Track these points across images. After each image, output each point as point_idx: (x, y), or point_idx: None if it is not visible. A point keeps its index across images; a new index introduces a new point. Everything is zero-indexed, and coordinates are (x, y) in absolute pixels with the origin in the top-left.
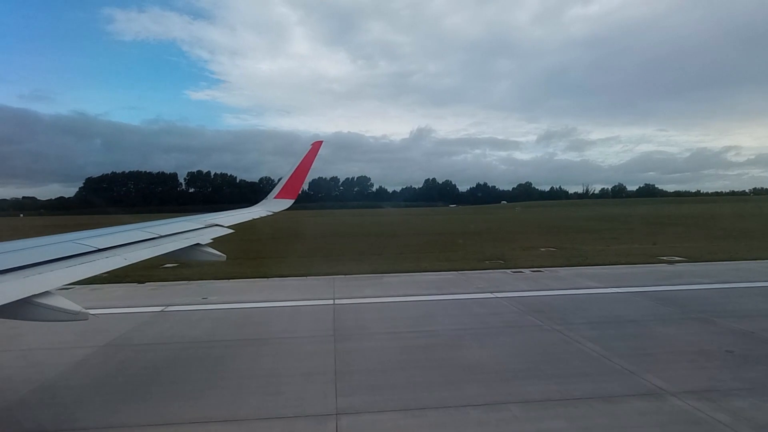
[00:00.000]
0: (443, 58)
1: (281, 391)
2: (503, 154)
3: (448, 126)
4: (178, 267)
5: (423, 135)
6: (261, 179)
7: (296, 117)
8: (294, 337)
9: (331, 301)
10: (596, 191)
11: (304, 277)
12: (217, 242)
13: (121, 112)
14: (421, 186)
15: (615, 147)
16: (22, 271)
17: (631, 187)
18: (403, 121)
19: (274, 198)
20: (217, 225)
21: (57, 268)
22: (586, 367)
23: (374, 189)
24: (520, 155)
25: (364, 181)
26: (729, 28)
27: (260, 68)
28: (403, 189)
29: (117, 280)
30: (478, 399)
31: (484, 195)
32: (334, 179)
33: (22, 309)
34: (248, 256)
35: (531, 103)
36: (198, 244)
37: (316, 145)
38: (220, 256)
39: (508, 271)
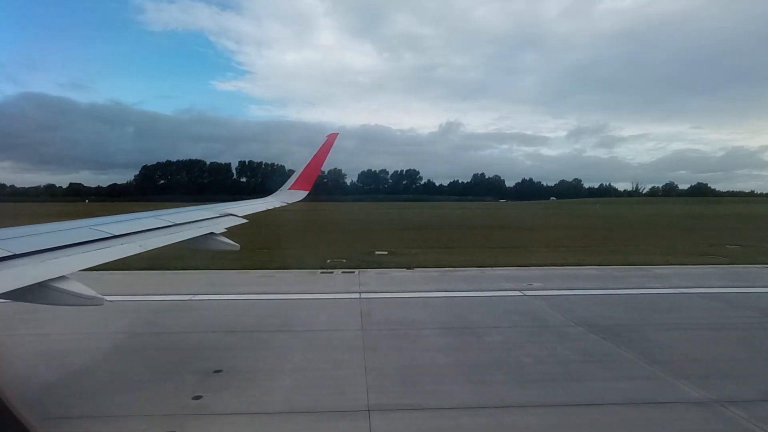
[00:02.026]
0: (469, 52)
1: None
2: (530, 149)
3: (473, 120)
4: (388, 255)
5: (452, 129)
6: None
7: (320, 108)
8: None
9: (683, 290)
10: (646, 189)
11: (574, 267)
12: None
13: (154, 101)
14: (468, 180)
15: (645, 144)
16: (40, 255)
17: (680, 186)
18: (427, 114)
19: (289, 189)
20: (231, 214)
21: (73, 253)
22: None
23: (422, 182)
24: (548, 151)
25: (413, 174)
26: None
27: (286, 59)
28: (450, 183)
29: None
30: None
31: (530, 190)
32: (383, 171)
33: (38, 293)
34: (438, 245)
35: (557, 98)
36: (212, 233)
37: (331, 138)
38: (234, 245)
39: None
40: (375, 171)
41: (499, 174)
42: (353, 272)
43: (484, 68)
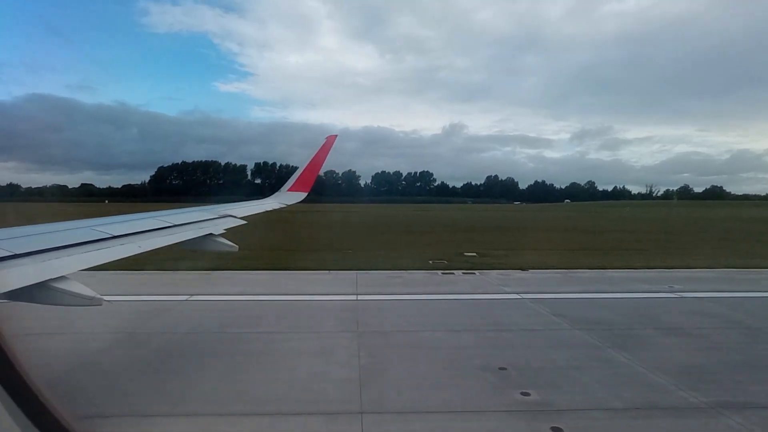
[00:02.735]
0: (471, 54)
1: None
2: (533, 151)
3: (475, 122)
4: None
5: (455, 131)
6: (326, 172)
7: (321, 110)
8: None
9: None
10: (660, 192)
11: (691, 270)
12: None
13: (158, 102)
14: (482, 182)
15: (650, 147)
16: (40, 255)
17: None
18: (428, 116)
19: (288, 191)
20: (230, 216)
21: (73, 253)
22: None
23: (436, 184)
24: (551, 153)
25: (426, 176)
26: None
27: (288, 61)
28: (464, 185)
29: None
30: None
31: (543, 193)
32: (397, 174)
33: (38, 293)
34: (517, 247)
35: (558, 100)
36: (211, 234)
37: (330, 140)
38: (233, 246)
39: None
40: (389, 172)
41: (501, 175)
42: (474, 273)
43: (486, 70)
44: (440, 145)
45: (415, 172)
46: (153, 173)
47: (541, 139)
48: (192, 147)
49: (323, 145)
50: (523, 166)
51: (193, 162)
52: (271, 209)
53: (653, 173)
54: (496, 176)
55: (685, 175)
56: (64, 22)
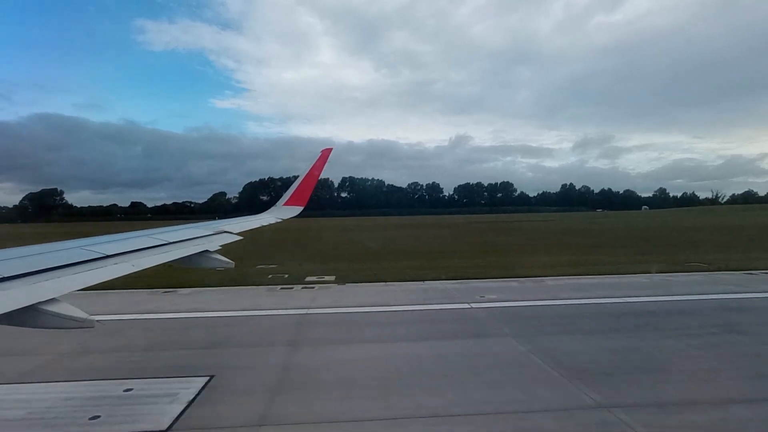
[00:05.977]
0: (465, 67)
1: None
2: (533, 161)
3: (472, 133)
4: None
5: (460, 142)
6: (409, 185)
7: (319, 125)
8: None
9: None
10: (726, 198)
11: None
12: None
13: (161, 120)
14: (557, 191)
15: (647, 154)
16: (30, 277)
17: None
18: (423, 128)
19: (284, 205)
20: (225, 232)
21: (64, 274)
22: None
23: (516, 194)
24: (551, 162)
25: (507, 186)
26: (754, 36)
27: (284, 77)
28: (539, 194)
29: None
30: None
31: (616, 200)
32: (479, 185)
33: (28, 316)
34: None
35: (551, 111)
36: (206, 251)
37: (326, 153)
38: (229, 263)
39: None
40: (471, 184)
41: (502, 184)
42: None
43: (481, 83)
44: (444, 156)
45: (496, 183)
46: (240, 190)
47: (542, 149)
48: (195, 164)
49: (318, 158)
50: (522, 174)
51: (280, 178)
52: (267, 224)
53: (651, 179)
54: (571, 185)
55: (679, 181)
56: (68, 42)
